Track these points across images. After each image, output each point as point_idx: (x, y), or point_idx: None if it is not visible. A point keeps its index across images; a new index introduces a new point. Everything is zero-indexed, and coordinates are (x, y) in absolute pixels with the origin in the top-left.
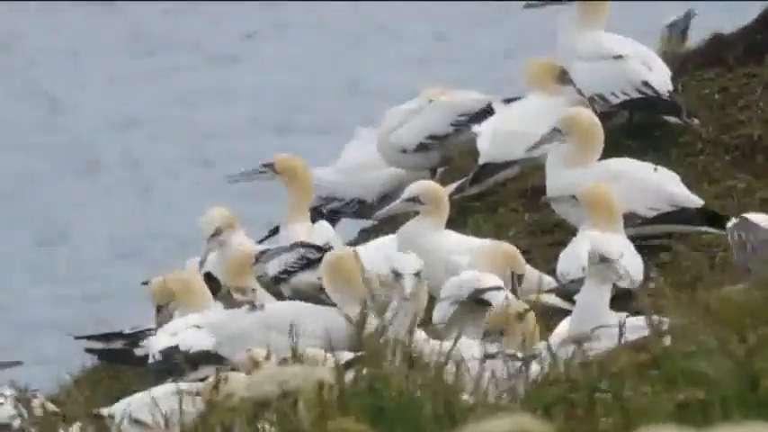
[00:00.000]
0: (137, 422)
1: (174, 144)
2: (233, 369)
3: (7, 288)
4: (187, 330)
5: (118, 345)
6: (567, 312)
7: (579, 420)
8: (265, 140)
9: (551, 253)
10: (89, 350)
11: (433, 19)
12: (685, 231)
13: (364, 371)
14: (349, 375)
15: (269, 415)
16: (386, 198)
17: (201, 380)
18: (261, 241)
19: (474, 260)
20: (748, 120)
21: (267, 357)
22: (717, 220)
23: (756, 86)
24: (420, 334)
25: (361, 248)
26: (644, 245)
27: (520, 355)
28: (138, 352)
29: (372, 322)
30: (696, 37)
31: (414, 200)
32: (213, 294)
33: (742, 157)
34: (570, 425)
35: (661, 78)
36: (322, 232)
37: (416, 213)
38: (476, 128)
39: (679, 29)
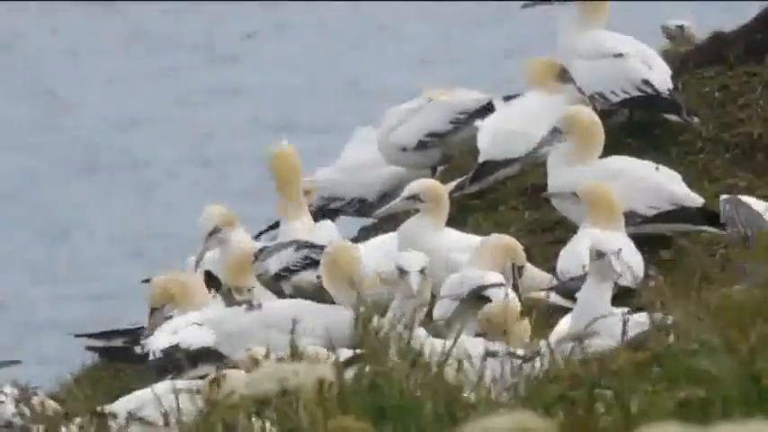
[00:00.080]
0: (138, 420)
1: (174, 144)
2: (233, 367)
3: (8, 287)
4: (187, 328)
5: (118, 342)
6: (567, 310)
7: (580, 418)
8: (265, 140)
9: (551, 251)
10: (89, 348)
11: (433, 19)
12: (685, 230)
13: (366, 369)
14: (350, 373)
15: (269, 413)
16: (386, 197)
17: (201, 377)
18: (259, 235)
19: (475, 253)
20: (748, 118)
21: (266, 355)
22: (717, 219)
23: (757, 85)
24: (421, 332)
25: (361, 246)
26: (644, 243)
27: (521, 353)
28: (139, 350)
29: (374, 320)
30: (696, 36)
31: (414, 198)
32: (215, 291)
33: (742, 156)
34: (571, 422)
35: (661, 77)
36: (326, 231)
37: (417, 211)
38: (478, 122)
39: (683, 33)
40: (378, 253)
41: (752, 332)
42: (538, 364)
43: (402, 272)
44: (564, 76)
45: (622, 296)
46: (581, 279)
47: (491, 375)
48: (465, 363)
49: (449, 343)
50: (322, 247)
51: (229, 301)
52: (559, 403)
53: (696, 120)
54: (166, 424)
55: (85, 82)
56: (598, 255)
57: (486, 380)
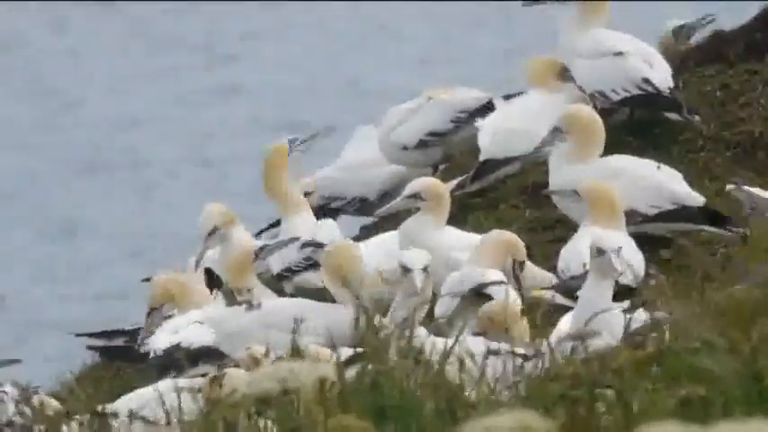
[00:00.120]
0: (139, 418)
1: (175, 144)
2: (234, 365)
3: (9, 287)
4: (188, 327)
5: (119, 342)
6: (567, 309)
7: (581, 417)
8: (265, 140)
9: (552, 249)
10: (90, 347)
11: (433, 19)
12: (686, 230)
13: (367, 368)
14: (351, 372)
15: (270, 412)
16: (387, 195)
17: (202, 376)
18: (259, 233)
19: (476, 250)
20: (749, 117)
21: (266, 355)
22: (718, 218)
23: (757, 83)
24: (421, 331)
25: (361, 245)
26: (645, 242)
27: (522, 351)
28: (137, 349)
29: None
30: (696, 35)
31: (415, 197)
32: (216, 290)
33: (743, 154)
34: (572, 422)
35: (662, 75)
36: (327, 230)
37: (418, 210)
38: (479, 122)
39: (688, 33)
40: (379, 251)
41: (753, 331)
42: (539, 363)
43: (405, 270)
44: (564, 74)
45: (623, 295)
46: (582, 278)
47: (492, 374)
48: (466, 361)
49: (450, 341)
50: (323, 245)
51: (230, 299)
52: (560, 402)
53: (697, 118)
54: (168, 423)
55: (86, 82)
56: (598, 252)
57: (487, 379)
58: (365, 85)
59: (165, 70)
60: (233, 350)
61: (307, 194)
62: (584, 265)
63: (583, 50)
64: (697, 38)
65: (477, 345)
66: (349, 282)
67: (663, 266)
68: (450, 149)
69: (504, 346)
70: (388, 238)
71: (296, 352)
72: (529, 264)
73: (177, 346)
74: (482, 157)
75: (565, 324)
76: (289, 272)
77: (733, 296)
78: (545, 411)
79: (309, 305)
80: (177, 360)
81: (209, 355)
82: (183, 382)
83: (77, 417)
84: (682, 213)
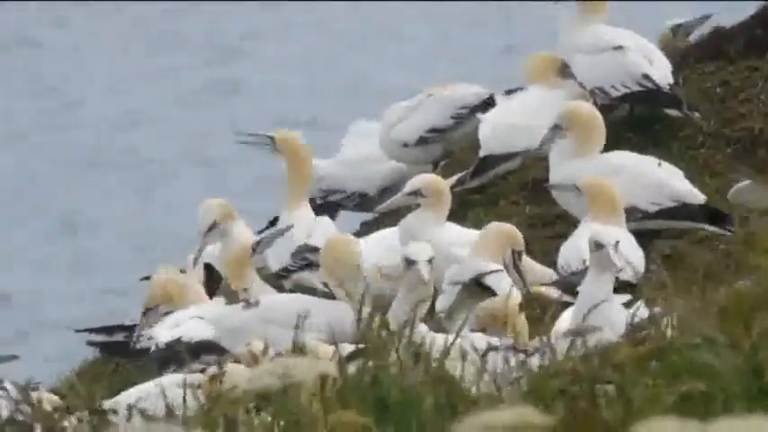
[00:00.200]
0: (140, 413)
1: (175, 143)
2: (235, 361)
3: (11, 284)
4: (189, 321)
5: (119, 338)
6: (567, 305)
7: (581, 413)
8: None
9: (552, 245)
10: (90, 343)
11: (433, 19)
12: (686, 228)
13: (368, 364)
14: (352, 368)
15: (271, 408)
16: (387, 191)
17: (202, 371)
18: (259, 233)
19: (475, 243)
20: (749, 113)
21: (265, 351)
22: (718, 217)
23: (758, 80)
24: (422, 327)
25: (361, 241)
26: (645, 239)
27: (522, 347)
28: (132, 347)
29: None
30: (695, 33)
31: (415, 193)
32: (216, 285)
33: (743, 151)
34: (572, 417)
35: (662, 71)
36: (324, 227)
37: (418, 206)
38: (479, 117)
39: (686, 31)
40: (379, 247)
41: (754, 327)
42: (540, 358)
43: (409, 262)
44: (564, 71)
45: (623, 291)
46: (582, 274)
47: (492, 370)
48: (467, 357)
49: (450, 337)
50: (318, 249)
51: (229, 296)
52: (560, 398)
53: (697, 115)
54: (169, 417)
55: (86, 81)
56: (596, 246)
57: (487, 375)
58: (365, 86)
59: (166, 70)
60: (233, 346)
61: None
62: (584, 261)
63: (582, 46)
64: (697, 35)
65: (478, 340)
66: (347, 277)
67: (663, 263)
68: (450, 146)
69: (504, 342)
70: (388, 234)
71: (297, 348)
72: (529, 260)
73: (178, 340)
74: (482, 153)
75: (565, 320)
76: (286, 271)
77: (733, 292)
78: (545, 407)
79: (310, 301)
80: (178, 354)
81: (210, 349)
82: (183, 376)
83: (77, 413)
84: (682, 211)
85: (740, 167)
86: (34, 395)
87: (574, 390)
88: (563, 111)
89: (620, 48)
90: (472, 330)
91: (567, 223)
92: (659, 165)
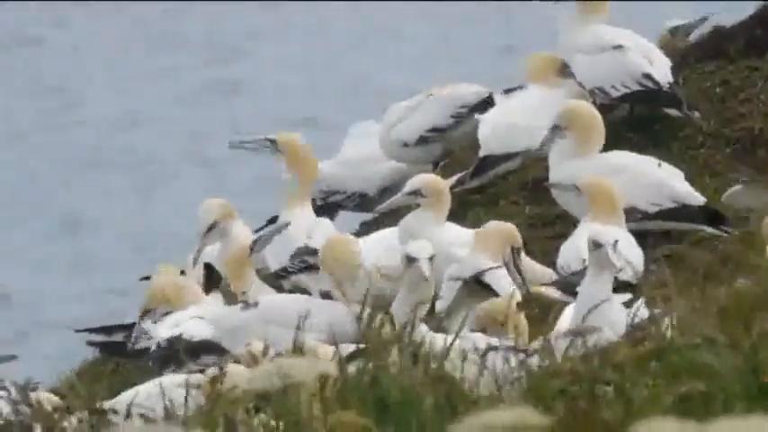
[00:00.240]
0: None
1: (175, 143)
2: (236, 361)
3: (11, 283)
4: (189, 320)
5: (119, 337)
6: (567, 304)
7: (580, 413)
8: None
9: (552, 246)
10: (90, 343)
11: (433, 19)
12: (686, 229)
13: (369, 364)
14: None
15: (271, 408)
16: (387, 191)
17: (201, 371)
18: (258, 231)
19: (474, 242)
20: (749, 113)
21: (265, 351)
22: (718, 218)
23: (758, 79)
24: (422, 327)
25: (361, 241)
26: (645, 239)
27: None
28: (130, 347)
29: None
30: (695, 32)
31: (415, 193)
32: (215, 286)
33: (743, 151)
34: (571, 417)
35: (662, 70)
36: (323, 228)
37: (418, 206)
38: (478, 116)
39: (685, 32)
40: (378, 247)
41: (753, 327)
42: (540, 358)
43: (410, 259)
44: (564, 71)
45: (623, 291)
46: (581, 274)
47: (492, 370)
48: (467, 356)
49: (450, 337)
50: (318, 251)
51: (229, 297)
52: (560, 398)
53: (697, 114)
54: (168, 418)
55: (86, 81)
56: (595, 245)
57: (487, 375)
58: (365, 86)
59: (166, 70)
60: (233, 346)
61: None
62: (584, 261)
63: (583, 46)
64: (697, 35)
65: (478, 341)
66: (346, 277)
67: (662, 263)
68: (450, 145)
69: (504, 343)
70: (387, 234)
71: (298, 348)
72: (529, 260)
73: (179, 340)
74: (482, 153)
75: (565, 320)
76: (285, 272)
77: (733, 292)
78: (545, 407)
79: (310, 301)
80: (178, 354)
81: (210, 349)
82: (184, 376)
83: (77, 413)
84: (682, 212)
85: (740, 167)
86: (33, 396)
87: (574, 390)
88: (562, 110)
89: (619, 47)
90: (472, 331)
91: (567, 223)
92: (659, 165)
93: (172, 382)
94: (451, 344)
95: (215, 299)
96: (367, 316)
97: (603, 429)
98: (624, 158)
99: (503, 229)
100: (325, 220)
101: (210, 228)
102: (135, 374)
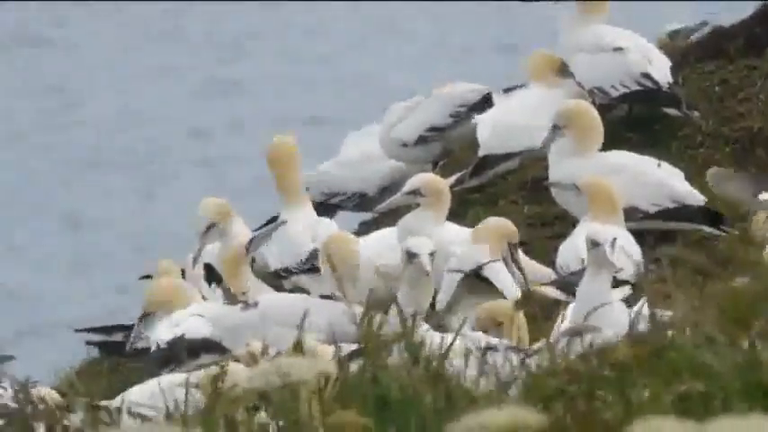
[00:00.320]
0: (139, 414)
1: (175, 144)
2: (235, 360)
3: (11, 282)
4: (189, 319)
5: (118, 336)
6: (567, 305)
7: (579, 412)
8: (265, 140)
9: (551, 245)
10: (90, 343)
11: (433, 19)
12: (685, 229)
13: (368, 363)
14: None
15: (271, 407)
16: (387, 191)
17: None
18: (257, 230)
19: (472, 239)
20: (748, 112)
21: (264, 351)
22: (718, 218)
23: (757, 79)
24: (422, 325)
25: (360, 240)
26: (644, 238)
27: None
28: (129, 348)
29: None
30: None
31: (415, 193)
32: (215, 286)
33: (742, 150)
34: (570, 417)
35: (661, 70)
36: (325, 227)
37: (417, 206)
38: (476, 117)
39: (685, 35)
40: (378, 247)
41: (753, 326)
42: (539, 358)
43: (411, 255)
44: (564, 70)
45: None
46: (580, 273)
47: (492, 369)
48: (467, 356)
49: (449, 336)
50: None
51: (229, 297)
52: (559, 398)
53: (696, 114)
54: (168, 417)
55: (86, 81)
56: (593, 244)
57: (486, 374)
58: (365, 85)
59: (166, 69)
60: (233, 345)
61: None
62: (583, 260)
63: (582, 46)
64: (695, 35)
65: (477, 340)
66: (345, 275)
67: (662, 262)
68: (449, 144)
69: (503, 342)
70: (387, 234)
71: (298, 348)
72: (528, 259)
73: (180, 338)
74: (481, 153)
75: (566, 318)
76: (286, 272)
77: (732, 290)
78: (544, 407)
79: (310, 301)
80: (178, 353)
81: (210, 348)
82: (184, 376)
83: (77, 411)
84: (682, 212)
85: (739, 167)
86: (35, 392)
87: (572, 389)
88: (560, 110)
89: (619, 48)
90: (472, 330)
91: (566, 223)
92: (659, 165)
93: (172, 381)
94: (452, 343)
95: (215, 298)
96: (367, 315)
97: (603, 429)
98: (624, 158)
99: (500, 225)
100: (327, 220)
101: (209, 228)
102: (135, 374)
